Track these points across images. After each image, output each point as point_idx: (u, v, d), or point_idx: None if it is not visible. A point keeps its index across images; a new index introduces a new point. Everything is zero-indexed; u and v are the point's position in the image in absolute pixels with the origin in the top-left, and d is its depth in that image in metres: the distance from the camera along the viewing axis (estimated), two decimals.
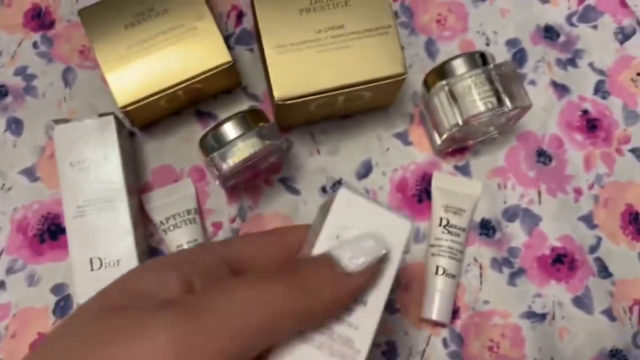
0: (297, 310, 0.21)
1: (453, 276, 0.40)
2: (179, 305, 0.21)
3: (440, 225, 0.41)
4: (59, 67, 0.44)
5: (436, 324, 0.41)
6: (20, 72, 0.44)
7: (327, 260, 0.23)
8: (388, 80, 0.38)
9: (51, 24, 0.45)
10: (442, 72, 0.40)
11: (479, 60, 0.40)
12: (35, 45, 0.44)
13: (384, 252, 0.24)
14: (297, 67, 0.37)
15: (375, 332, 0.25)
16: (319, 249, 0.24)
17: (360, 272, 0.23)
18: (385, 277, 0.25)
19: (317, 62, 0.37)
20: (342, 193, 0.26)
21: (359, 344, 0.24)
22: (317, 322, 0.23)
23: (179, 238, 0.40)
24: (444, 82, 0.40)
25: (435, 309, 0.40)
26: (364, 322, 0.24)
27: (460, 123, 0.39)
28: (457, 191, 0.43)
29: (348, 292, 0.23)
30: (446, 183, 0.43)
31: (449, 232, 0.41)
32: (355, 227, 0.25)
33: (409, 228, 0.26)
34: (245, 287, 0.21)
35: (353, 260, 0.23)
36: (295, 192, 0.43)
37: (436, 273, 0.41)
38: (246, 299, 0.21)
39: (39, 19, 0.45)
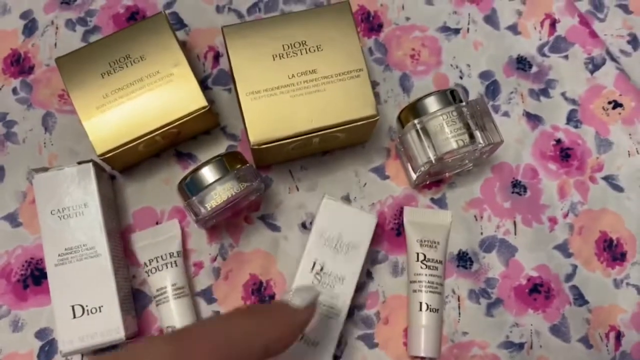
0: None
1: (436, 310, 0.41)
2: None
3: (417, 260, 0.42)
4: (39, 112, 0.45)
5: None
6: (1, 118, 0.44)
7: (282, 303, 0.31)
8: (360, 122, 0.39)
9: (30, 69, 0.45)
10: (414, 109, 0.41)
11: (450, 97, 0.41)
12: (14, 91, 0.45)
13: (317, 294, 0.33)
14: (272, 111, 0.38)
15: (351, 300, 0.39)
16: (309, 248, 0.39)
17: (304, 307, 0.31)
18: (359, 257, 0.40)
19: (291, 106, 0.38)
20: (325, 202, 0.40)
21: (339, 308, 0.39)
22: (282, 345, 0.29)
23: (160, 281, 0.41)
24: (416, 121, 0.40)
25: (423, 345, 0.40)
26: (343, 293, 0.39)
27: (433, 161, 0.40)
28: (429, 223, 0.43)
29: (301, 323, 0.31)
30: (417, 216, 0.44)
31: (427, 266, 0.42)
32: (335, 226, 0.40)
33: (375, 222, 0.40)
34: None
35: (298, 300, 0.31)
36: (276, 228, 0.44)
37: (420, 309, 0.41)
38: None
39: (18, 65, 0.45)
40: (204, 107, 0.40)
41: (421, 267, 0.42)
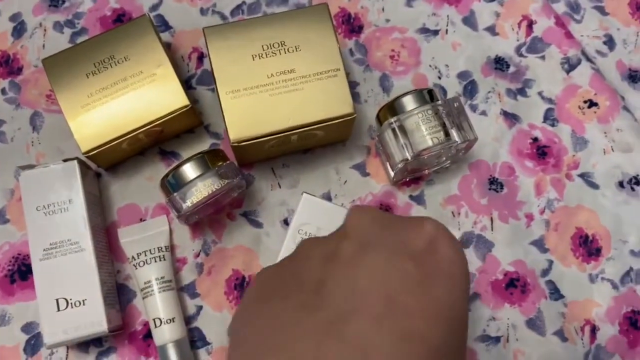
0: None
1: None
2: None
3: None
4: (27, 112, 0.46)
5: None
6: None
7: None
8: (338, 120, 0.40)
9: (19, 70, 0.47)
10: (392, 108, 0.42)
11: (427, 96, 0.42)
12: (3, 91, 0.46)
13: None
14: (251, 110, 0.39)
15: None
16: (287, 243, 0.40)
17: None
18: None
19: (270, 105, 0.39)
20: (304, 198, 0.41)
21: None
22: None
23: (147, 274, 0.42)
24: (394, 119, 0.41)
25: None
26: None
27: (409, 158, 0.41)
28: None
29: None
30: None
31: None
32: (313, 221, 0.40)
33: None
34: None
35: None
36: (258, 225, 0.45)
37: None
38: None
39: (7, 66, 0.47)
40: (185, 106, 0.41)
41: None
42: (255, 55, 0.40)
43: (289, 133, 0.40)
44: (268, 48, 0.40)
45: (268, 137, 0.39)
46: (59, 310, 0.39)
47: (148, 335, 0.42)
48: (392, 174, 0.44)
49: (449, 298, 0.23)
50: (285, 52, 0.40)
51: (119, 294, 0.43)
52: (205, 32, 0.40)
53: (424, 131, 0.41)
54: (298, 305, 0.23)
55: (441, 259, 0.25)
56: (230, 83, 0.39)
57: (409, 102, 0.42)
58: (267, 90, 0.39)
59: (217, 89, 0.40)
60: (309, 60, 0.40)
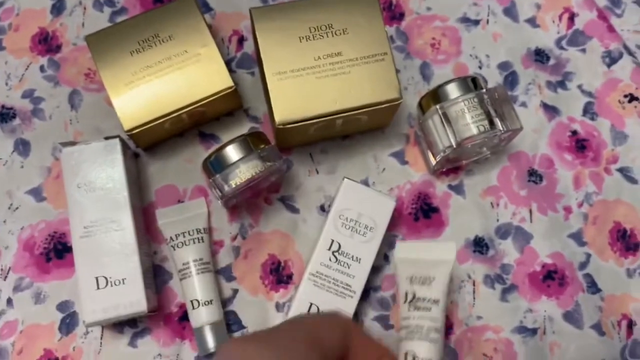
0: None
1: None
2: None
3: (405, 302, 0.36)
4: (66, 90, 0.45)
5: None
6: (28, 95, 0.45)
7: None
8: (384, 105, 0.40)
9: (58, 48, 0.46)
10: (436, 95, 0.42)
11: (471, 84, 0.42)
12: (42, 68, 0.46)
13: None
14: (297, 92, 0.39)
15: (366, 280, 0.39)
16: (327, 227, 0.40)
17: None
18: (375, 239, 0.40)
19: (316, 87, 0.39)
20: (345, 183, 0.41)
21: (355, 287, 0.39)
22: None
23: (186, 255, 0.41)
24: (438, 106, 0.41)
25: None
26: (359, 272, 0.39)
27: (454, 145, 0.40)
28: (426, 259, 0.37)
29: None
30: (412, 252, 0.38)
31: (416, 307, 0.35)
32: (354, 207, 0.40)
33: (394, 205, 0.41)
34: None
35: None
36: (295, 210, 0.45)
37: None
38: None
39: (46, 43, 0.46)
40: (230, 87, 0.41)
41: (409, 310, 0.35)
42: (303, 38, 0.39)
43: (334, 117, 0.39)
44: (315, 30, 0.40)
45: (313, 120, 0.39)
46: (98, 288, 0.38)
47: (183, 317, 0.42)
48: (433, 162, 0.44)
49: None
50: (332, 35, 0.40)
51: (154, 276, 0.43)
52: (252, 13, 0.40)
53: (468, 119, 0.41)
54: None
55: None
56: (277, 64, 0.39)
57: (453, 90, 0.42)
58: (313, 72, 0.39)
59: (262, 71, 0.40)
60: (356, 43, 0.40)
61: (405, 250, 0.38)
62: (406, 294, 0.36)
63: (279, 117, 0.39)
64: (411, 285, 0.36)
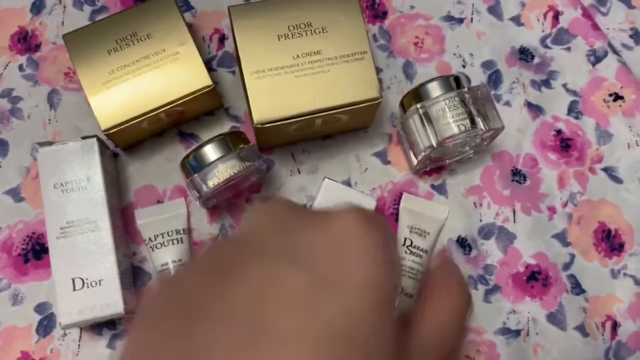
0: None
1: (411, 295, 0.41)
2: None
3: (403, 244, 0.42)
4: (44, 89, 0.45)
5: None
6: (6, 94, 0.45)
7: None
8: (364, 104, 0.39)
9: (37, 47, 0.46)
10: (417, 94, 0.42)
11: (453, 83, 0.41)
12: (21, 67, 0.45)
13: None
14: (276, 91, 0.38)
15: None
16: None
17: None
18: None
19: (295, 86, 0.39)
20: (326, 183, 0.41)
21: None
22: None
23: (164, 256, 0.41)
24: (419, 105, 0.41)
25: None
26: None
27: (435, 145, 0.40)
28: (424, 213, 0.43)
29: None
30: (414, 204, 0.44)
31: (411, 252, 0.42)
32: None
33: (374, 204, 0.42)
34: None
35: None
36: None
37: None
38: None
39: (25, 42, 0.46)
40: (208, 86, 0.40)
41: (405, 252, 0.42)
42: (281, 36, 0.39)
43: (314, 116, 0.39)
44: (294, 29, 0.39)
45: (292, 120, 0.39)
46: (74, 289, 0.38)
47: None
48: (414, 162, 0.43)
49: (350, 315, 0.18)
50: (311, 34, 0.39)
51: (134, 277, 0.42)
52: (230, 11, 0.39)
53: (449, 118, 0.40)
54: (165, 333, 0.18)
55: (348, 265, 0.19)
56: (255, 63, 0.39)
57: (434, 89, 0.41)
58: (292, 71, 0.39)
59: (241, 69, 0.40)
60: (335, 42, 0.39)
61: (409, 202, 0.44)
62: (405, 239, 0.42)
63: (257, 116, 0.38)
64: (410, 234, 0.42)
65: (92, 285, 0.38)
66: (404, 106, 0.43)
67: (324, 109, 0.39)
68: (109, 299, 0.38)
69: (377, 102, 0.39)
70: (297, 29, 0.39)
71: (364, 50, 0.39)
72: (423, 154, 0.41)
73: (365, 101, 0.39)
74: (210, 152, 0.39)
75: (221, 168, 0.38)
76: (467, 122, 0.40)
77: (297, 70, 0.39)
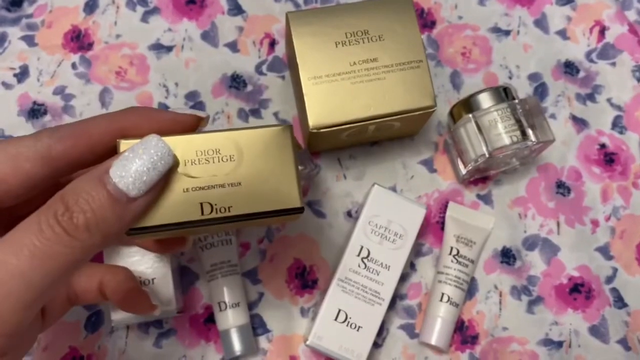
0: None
1: (456, 305, 0.42)
2: None
3: (450, 254, 0.43)
4: (97, 87, 0.45)
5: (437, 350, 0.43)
6: (59, 91, 0.45)
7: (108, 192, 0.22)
8: (418, 112, 0.39)
9: (90, 46, 0.46)
10: (468, 104, 0.42)
11: (503, 94, 0.42)
12: (74, 65, 0.46)
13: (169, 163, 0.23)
14: (332, 97, 0.39)
15: (395, 288, 0.40)
16: (357, 233, 0.40)
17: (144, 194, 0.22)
18: (405, 247, 0.40)
19: (351, 93, 0.39)
20: (376, 189, 0.41)
21: (383, 295, 0.39)
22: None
23: (213, 257, 0.41)
24: (471, 115, 0.41)
25: (435, 335, 0.41)
26: (388, 280, 0.40)
27: (487, 154, 0.40)
28: (470, 223, 0.44)
29: (134, 216, 0.22)
30: (460, 213, 0.44)
31: (457, 261, 0.42)
32: (384, 214, 0.40)
33: (424, 213, 0.41)
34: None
35: (136, 185, 0.22)
36: (321, 215, 0.44)
37: (440, 300, 0.42)
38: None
39: (78, 41, 0.46)
40: (430, 107, 0.39)
41: (452, 261, 0.43)
42: (339, 43, 0.39)
43: (368, 122, 0.39)
44: (351, 36, 0.40)
45: (347, 126, 0.39)
46: None
47: (209, 319, 0.42)
48: (463, 171, 0.44)
49: None
50: (368, 41, 0.40)
51: (181, 276, 0.43)
52: (288, 17, 0.40)
53: (501, 129, 0.41)
54: None
55: None
56: (312, 69, 0.39)
57: (485, 99, 0.42)
58: (349, 78, 0.39)
59: (296, 75, 0.40)
60: (391, 50, 0.40)
61: (455, 210, 0.44)
62: (451, 248, 0.43)
63: (313, 121, 0.39)
64: (457, 243, 0.43)
65: (145, 284, 0.38)
66: (453, 115, 0.43)
67: (379, 115, 0.39)
68: (162, 298, 0.38)
69: (431, 110, 0.40)
70: (354, 36, 0.40)
71: (420, 59, 0.40)
72: (473, 163, 0.42)
73: (420, 109, 0.39)
74: None
75: None
76: (518, 133, 0.40)
77: (353, 77, 0.39)
